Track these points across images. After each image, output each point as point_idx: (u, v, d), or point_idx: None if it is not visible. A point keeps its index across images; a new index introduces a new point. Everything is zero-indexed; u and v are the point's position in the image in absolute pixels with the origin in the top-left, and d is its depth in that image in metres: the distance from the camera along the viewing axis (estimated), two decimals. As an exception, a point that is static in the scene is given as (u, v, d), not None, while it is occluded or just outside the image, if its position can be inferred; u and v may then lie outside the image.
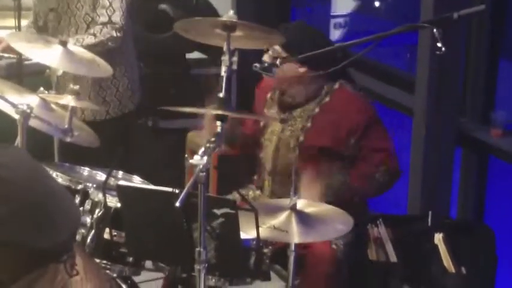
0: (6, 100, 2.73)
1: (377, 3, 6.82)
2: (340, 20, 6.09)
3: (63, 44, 3.20)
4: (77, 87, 2.95)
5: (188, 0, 5.11)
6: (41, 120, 2.82)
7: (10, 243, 1.75)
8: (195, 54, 5.22)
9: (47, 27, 4.04)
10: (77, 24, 3.94)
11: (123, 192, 2.71)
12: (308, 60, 3.22)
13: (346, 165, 3.32)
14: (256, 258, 2.79)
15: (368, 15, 6.41)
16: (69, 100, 2.91)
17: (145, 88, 4.45)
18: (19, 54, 3.76)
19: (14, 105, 2.77)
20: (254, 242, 2.75)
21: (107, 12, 3.86)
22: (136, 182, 3.13)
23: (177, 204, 2.33)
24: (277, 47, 3.24)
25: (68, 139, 2.90)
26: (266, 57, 3.23)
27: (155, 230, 2.73)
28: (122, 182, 2.79)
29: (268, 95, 3.52)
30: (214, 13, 5.09)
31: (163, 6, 4.88)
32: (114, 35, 3.86)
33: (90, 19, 3.91)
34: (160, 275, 3.11)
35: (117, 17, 3.88)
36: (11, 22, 4.57)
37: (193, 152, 4.47)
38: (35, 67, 3.74)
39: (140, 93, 4.29)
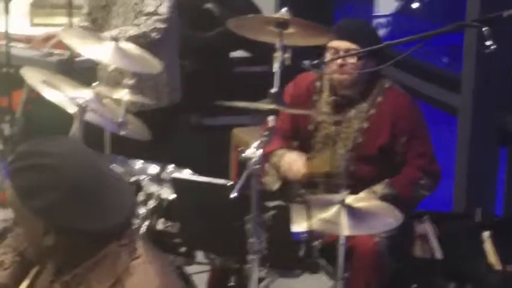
0: (64, 94, 2.80)
1: (418, 4, 6.82)
2: (383, 20, 6.11)
3: (115, 40, 3.26)
4: (131, 81, 3.01)
5: (234, 1, 5.16)
6: (97, 113, 2.88)
7: (65, 227, 1.82)
8: (239, 53, 5.26)
9: (98, 19, 4.08)
10: (125, 15, 3.94)
11: (178, 185, 2.77)
12: (367, 57, 3.22)
13: (394, 168, 3.34)
14: (306, 250, 2.83)
15: (410, 15, 6.42)
16: (123, 94, 2.97)
17: (189, 86, 4.50)
18: (70, 51, 3.82)
19: (72, 99, 2.84)
20: (304, 235, 2.79)
21: (154, 2, 3.86)
22: (188, 175, 3.18)
23: (233, 195, 2.38)
24: (341, 43, 3.23)
25: (122, 132, 2.96)
26: (328, 54, 3.19)
27: (208, 221, 2.79)
28: (177, 175, 2.85)
29: (314, 97, 3.48)
30: (258, 12, 5.14)
31: (208, 5, 4.93)
32: (158, 26, 3.84)
33: (138, 9, 3.88)
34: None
35: (164, 8, 3.86)
36: (60, 20, 4.68)
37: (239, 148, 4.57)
38: (85, 63, 3.80)
39: (180, 90, 4.30)
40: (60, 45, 3.91)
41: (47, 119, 4.49)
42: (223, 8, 5.01)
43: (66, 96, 2.89)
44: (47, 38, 3.93)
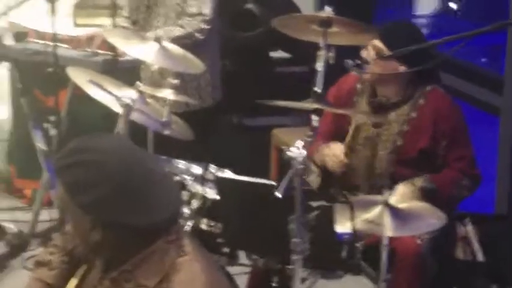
0: (110, 93, 2.83)
1: (457, 4, 6.78)
2: (423, 20, 6.08)
3: (158, 40, 3.28)
4: (175, 81, 3.03)
5: (274, 0, 5.17)
6: (142, 113, 2.91)
7: (112, 222, 1.86)
8: (279, 53, 5.27)
9: (139, 21, 4.11)
10: (167, 15, 3.97)
11: (222, 185, 2.79)
12: (407, 59, 3.21)
13: (435, 170, 3.33)
14: (349, 251, 2.83)
15: (450, 15, 6.38)
16: (168, 93, 3.00)
17: (230, 85, 4.52)
18: (114, 51, 3.86)
19: (118, 99, 2.87)
20: (347, 236, 2.79)
21: (197, 3, 3.88)
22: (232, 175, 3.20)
23: (278, 194, 2.39)
24: (379, 44, 3.21)
25: (167, 132, 2.99)
26: (365, 54, 3.20)
27: (251, 222, 2.81)
28: (221, 174, 2.86)
29: (355, 99, 3.47)
30: (298, 12, 5.14)
31: (249, 5, 4.95)
32: (203, 26, 3.87)
33: (179, 9, 3.91)
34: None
35: (207, 9, 3.88)
36: (103, 20, 4.72)
37: (278, 149, 4.58)
38: (128, 63, 3.84)
39: (221, 90, 4.32)
40: (103, 45, 3.96)
41: (90, 118, 4.55)
42: (263, 8, 5.02)
43: (112, 95, 2.92)
44: (91, 39, 3.97)
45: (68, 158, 1.91)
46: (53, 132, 4.70)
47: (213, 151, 4.23)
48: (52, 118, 4.74)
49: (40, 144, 4.26)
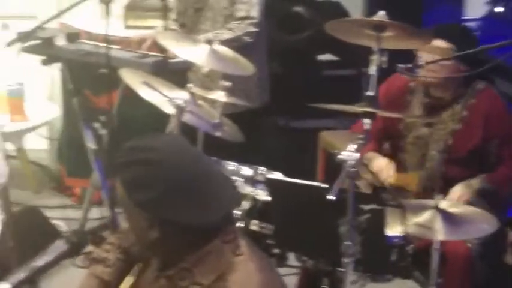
0: (163, 94, 2.86)
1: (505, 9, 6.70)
2: (472, 24, 6.04)
3: (209, 43, 3.31)
4: (228, 83, 3.05)
5: (322, 3, 5.17)
6: (194, 114, 2.93)
7: (169, 220, 1.88)
8: (327, 56, 5.28)
9: (186, 24, 4.15)
10: (214, 18, 4.00)
11: (273, 186, 2.80)
12: (470, 60, 3.20)
13: (487, 169, 3.32)
14: (399, 255, 2.83)
15: (499, 19, 6.31)
16: (220, 95, 3.02)
17: (277, 88, 4.54)
18: (164, 53, 3.90)
19: (170, 100, 2.90)
20: (397, 239, 2.79)
21: (245, 7, 3.91)
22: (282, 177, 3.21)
23: (331, 197, 2.39)
24: (444, 45, 3.21)
25: (218, 133, 3.01)
26: (426, 57, 3.18)
27: (301, 223, 2.81)
28: (272, 176, 2.88)
29: (407, 97, 3.47)
30: (346, 15, 5.14)
31: (297, 8, 4.96)
32: (251, 29, 3.90)
33: (227, 13, 3.94)
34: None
35: (255, 12, 3.91)
36: (152, 22, 4.79)
37: (326, 151, 4.58)
38: (178, 65, 3.87)
39: (268, 92, 4.34)
40: (153, 47, 3.99)
41: (139, 119, 4.61)
42: (311, 11, 5.03)
43: (165, 97, 2.95)
44: (142, 40, 4.01)
45: (126, 157, 1.94)
46: (102, 131, 4.76)
47: (259, 153, 4.25)
48: (102, 118, 4.81)
49: (90, 143, 4.31)
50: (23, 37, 3.82)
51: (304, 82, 5.16)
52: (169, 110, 3.06)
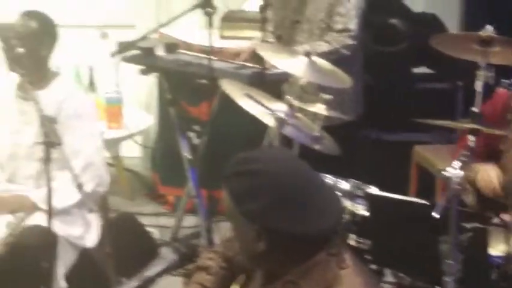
0: (265, 106, 2.87)
1: None
2: None
3: (308, 55, 3.31)
4: (329, 96, 3.05)
5: (418, 15, 5.12)
6: (294, 127, 2.93)
7: (276, 231, 1.87)
8: (422, 69, 5.21)
9: (283, 36, 4.17)
10: (311, 31, 4.00)
11: (372, 201, 2.78)
12: None
13: None
14: (500, 275, 2.76)
15: None
16: (320, 108, 3.02)
17: (370, 100, 4.50)
18: (260, 64, 3.91)
19: (272, 112, 2.91)
20: (499, 259, 2.73)
21: (343, 19, 3.90)
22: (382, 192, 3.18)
23: (435, 214, 2.36)
24: None
25: (317, 146, 3.00)
26: None
27: (401, 240, 2.78)
28: (372, 191, 2.86)
29: (509, 116, 3.37)
30: (442, 28, 5.07)
31: (393, 20, 4.92)
32: (349, 42, 3.90)
33: (324, 25, 3.94)
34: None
35: (353, 25, 3.90)
36: (248, 33, 4.81)
37: (419, 166, 4.52)
38: (275, 76, 3.88)
39: (362, 105, 4.32)
40: (249, 58, 4.02)
41: (235, 130, 4.64)
42: (407, 23, 4.98)
43: (266, 108, 2.96)
44: (239, 52, 4.05)
45: (234, 168, 1.96)
46: (196, 141, 4.83)
47: (351, 166, 4.22)
48: (196, 127, 4.88)
49: (185, 152, 4.37)
50: (125, 47, 3.90)
51: (397, 95, 5.10)
52: (269, 122, 3.06)
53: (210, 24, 3.45)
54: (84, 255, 3.50)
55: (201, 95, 4.74)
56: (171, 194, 5.05)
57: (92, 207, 3.53)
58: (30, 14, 3.38)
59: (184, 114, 4.55)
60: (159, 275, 1.79)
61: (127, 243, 4.05)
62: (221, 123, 4.48)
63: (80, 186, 2.68)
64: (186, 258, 1.89)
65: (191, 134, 4.76)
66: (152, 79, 5.03)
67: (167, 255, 1.83)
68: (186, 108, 4.78)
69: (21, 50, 3.10)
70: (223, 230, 3.98)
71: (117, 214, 4.45)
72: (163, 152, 5.15)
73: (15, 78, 3.49)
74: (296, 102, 3.15)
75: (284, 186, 1.88)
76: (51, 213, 2.86)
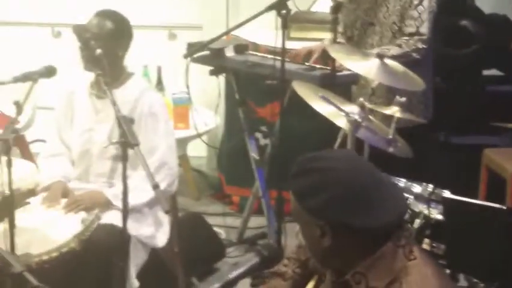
0: (340, 108, 2.86)
1: None
2: None
3: (380, 57, 3.28)
4: (403, 99, 3.02)
5: (490, 16, 5.04)
6: (369, 129, 2.91)
7: (340, 226, 1.89)
8: (492, 71, 5.13)
9: (353, 37, 4.14)
10: (382, 33, 3.95)
11: (448, 205, 2.74)
12: None
13: None
14: None
15: None
16: (395, 111, 2.99)
17: (439, 103, 4.44)
18: (329, 65, 3.89)
19: (346, 114, 2.89)
20: None
21: (415, 23, 3.86)
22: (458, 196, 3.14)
23: (513, 220, 2.32)
24: None
25: (391, 149, 2.98)
26: None
27: (477, 245, 2.74)
28: (448, 195, 2.82)
29: None
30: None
31: (464, 22, 4.85)
32: (420, 46, 3.84)
33: (396, 28, 3.90)
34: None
35: (425, 29, 3.85)
36: (315, 34, 4.80)
37: (489, 169, 4.45)
38: (345, 78, 3.86)
39: (431, 107, 4.26)
40: (318, 60, 4.00)
41: (303, 131, 4.63)
42: (478, 25, 4.90)
43: (341, 110, 2.94)
44: (310, 53, 4.03)
45: (297, 167, 1.99)
46: (263, 141, 4.84)
47: (421, 169, 4.17)
48: (263, 128, 4.89)
49: (253, 153, 4.38)
50: (198, 48, 3.92)
51: (467, 97, 5.04)
52: (343, 124, 3.04)
53: (284, 26, 3.44)
54: (154, 254, 3.53)
55: (268, 96, 4.74)
56: (236, 194, 5.07)
57: (164, 206, 3.56)
58: (104, 14, 3.42)
59: (251, 114, 4.55)
60: (240, 277, 1.79)
61: (195, 243, 4.09)
62: (290, 125, 4.47)
63: (156, 186, 2.68)
64: (268, 261, 1.89)
65: (258, 135, 4.77)
66: (219, 80, 5.04)
67: (250, 257, 1.82)
68: (254, 109, 4.78)
69: (99, 51, 3.12)
70: (291, 231, 3.98)
71: (185, 214, 4.49)
72: (229, 153, 5.16)
73: (89, 76, 3.54)
74: (370, 105, 3.12)
75: (346, 181, 1.91)
76: (126, 212, 2.88)
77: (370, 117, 3.21)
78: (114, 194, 3.35)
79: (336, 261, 1.97)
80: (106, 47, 3.23)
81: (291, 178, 1.98)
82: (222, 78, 4.45)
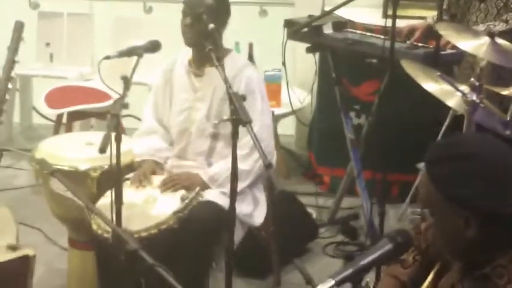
0: (457, 89, 2.74)
1: None
2: None
3: (491, 35, 3.15)
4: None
5: None
6: (485, 111, 2.79)
7: (489, 215, 1.78)
8: None
9: (456, 15, 4.01)
10: (487, 10, 3.83)
11: None
12: None
13: None
14: None
15: None
16: (512, 92, 2.87)
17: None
18: (432, 44, 3.77)
19: (464, 95, 2.77)
20: None
21: None
22: None
23: None
24: None
25: (508, 132, 2.85)
26: None
27: None
28: None
29: None
30: None
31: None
32: None
33: (501, 4, 3.78)
34: None
35: None
36: (413, 12, 4.68)
37: None
38: (449, 57, 3.73)
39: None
40: (419, 38, 3.89)
41: (401, 113, 4.50)
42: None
43: (458, 91, 2.82)
44: (412, 30, 3.92)
45: (437, 153, 1.89)
46: (356, 121, 4.74)
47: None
48: (356, 107, 4.79)
49: (348, 133, 4.29)
50: (302, 25, 3.85)
51: None
52: (454, 104, 2.92)
53: (394, 4, 3.33)
54: (248, 233, 3.49)
55: (364, 74, 4.64)
56: (327, 174, 4.99)
57: (261, 184, 3.51)
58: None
59: (345, 93, 4.45)
60: (372, 263, 1.72)
61: (289, 222, 4.03)
62: (389, 105, 4.36)
63: (269, 165, 2.61)
64: (403, 248, 1.80)
65: (351, 114, 4.68)
66: (311, 57, 4.95)
67: (382, 244, 1.74)
68: (348, 88, 4.69)
69: (212, 25, 3.07)
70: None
71: (279, 192, 4.43)
72: (319, 132, 5.08)
73: (186, 54, 3.49)
74: (487, 86, 2.99)
75: (495, 169, 1.81)
76: (235, 193, 2.82)
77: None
78: (211, 177, 3.32)
79: (476, 254, 1.85)
80: (216, 22, 3.17)
81: (430, 165, 1.87)
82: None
